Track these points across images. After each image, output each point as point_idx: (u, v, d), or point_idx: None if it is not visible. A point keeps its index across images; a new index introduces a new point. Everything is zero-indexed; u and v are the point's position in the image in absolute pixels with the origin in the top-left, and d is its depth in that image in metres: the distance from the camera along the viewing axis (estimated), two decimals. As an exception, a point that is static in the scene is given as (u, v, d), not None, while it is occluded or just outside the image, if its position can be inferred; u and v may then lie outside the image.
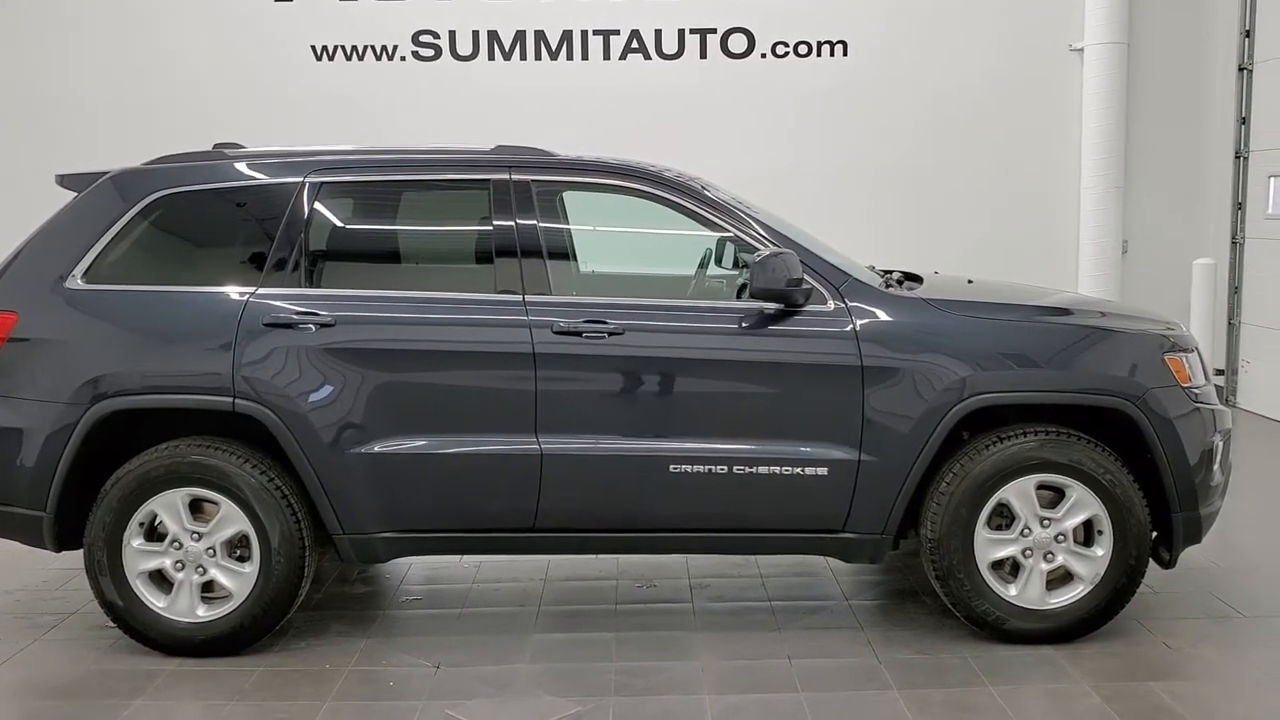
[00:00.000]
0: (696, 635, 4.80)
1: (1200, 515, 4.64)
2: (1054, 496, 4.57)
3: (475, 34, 10.08)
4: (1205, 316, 9.80)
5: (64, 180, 4.88)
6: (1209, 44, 10.17)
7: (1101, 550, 4.55)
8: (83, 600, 5.09)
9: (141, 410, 4.56)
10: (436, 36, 10.10)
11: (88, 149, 8.20)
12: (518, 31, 10.08)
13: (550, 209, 4.92)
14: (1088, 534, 4.59)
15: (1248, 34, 10.04)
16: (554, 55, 10.12)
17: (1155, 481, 4.58)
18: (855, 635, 4.78)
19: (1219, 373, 10.08)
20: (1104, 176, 9.90)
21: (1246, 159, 10.09)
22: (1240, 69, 10.09)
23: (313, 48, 10.05)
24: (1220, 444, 4.72)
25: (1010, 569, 4.61)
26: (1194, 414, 4.61)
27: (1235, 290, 10.25)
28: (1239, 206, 10.16)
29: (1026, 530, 4.55)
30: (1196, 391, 4.66)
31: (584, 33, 10.09)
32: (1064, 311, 4.87)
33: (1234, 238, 10.20)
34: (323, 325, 4.51)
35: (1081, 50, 9.96)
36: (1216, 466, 4.69)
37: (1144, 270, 10.11)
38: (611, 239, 5.56)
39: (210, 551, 4.53)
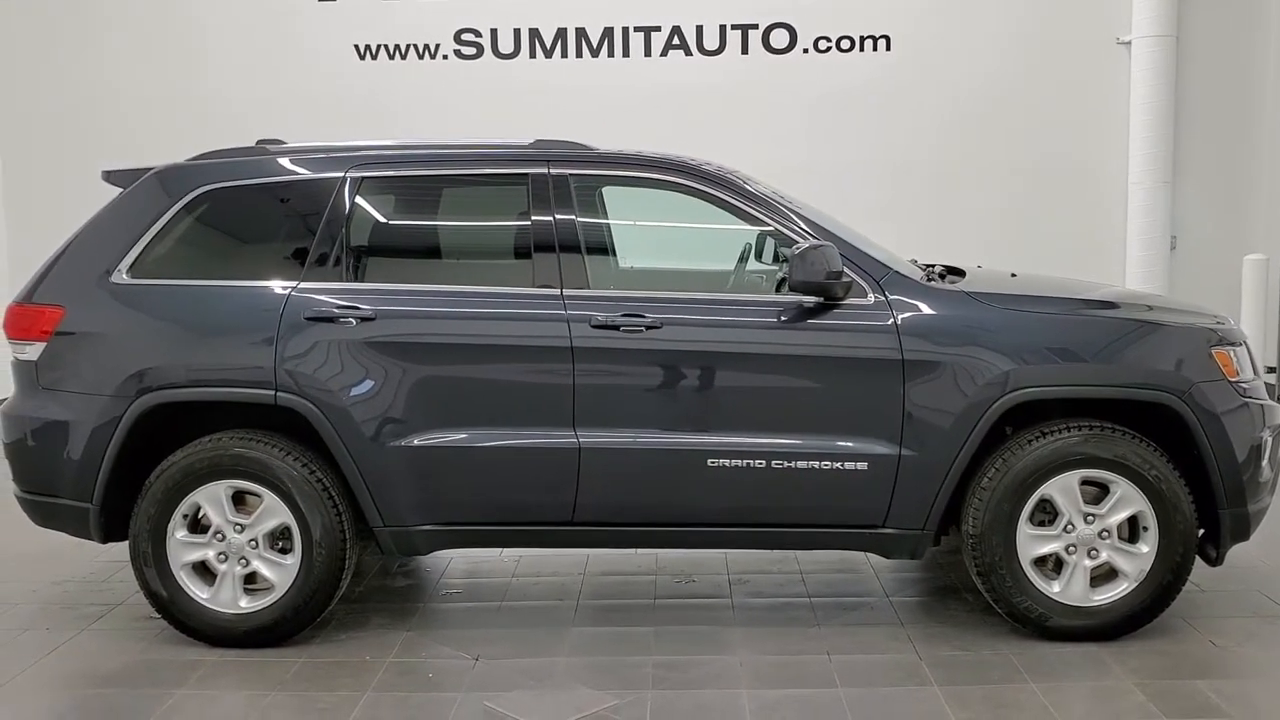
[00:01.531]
0: (735, 630, 4.78)
1: (1248, 512, 4.56)
2: (1098, 492, 4.51)
3: (517, 32, 10.12)
4: (1256, 313, 9.65)
5: (109, 176, 4.96)
6: (1259, 36, 10.00)
7: (1146, 547, 4.49)
8: (128, 591, 5.17)
9: (185, 403, 4.62)
10: (478, 35, 10.15)
11: (131, 147, 8.31)
12: (559, 29, 10.11)
13: (589, 203, 4.93)
14: (1133, 530, 4.52)
15: (1300, 25, 9.88)
16: (595, 52, 10.13)
17: (1202, 477, 4.51)
18: (895, 631, 4.74)
19: (1270, 370, 9.91)
20: (1152, 171, 9.77)
21: (1298, 153, 9.92)
22: (1292, 61, 9.92)
23: (355, 47, 10.14)
24: (1269, 439, 4.63)
25: (1053, 565, 4.56)
26: (1242, 409, 4.53)
27: (1287, 286, 10.08)
28: (1291, 201, 9.99)
29: (1070, 526, 4.50)
30: (1245, 386, 4.58)
31: (625, 29, 10.10)
32: (1109, 305, 4.79)
33: (1286, 233, 10.03)
34: (364, 319, 4.53)
35: (1129, 43, 9.83)
36: (1265, 462, 4.61)
37: (1193, 266, 9.95)
38: (650, 233, 5.55)
39: (253, 543, 4.57)
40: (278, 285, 4.62)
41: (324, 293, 4.59)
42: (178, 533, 4.57)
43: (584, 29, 10.11)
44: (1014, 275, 5.26)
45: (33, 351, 4.66)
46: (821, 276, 4.39)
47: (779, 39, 10.09)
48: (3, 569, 5.73)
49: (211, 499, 4.56)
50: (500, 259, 5.04)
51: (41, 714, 4.15)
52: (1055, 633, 4.53)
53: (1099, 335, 4.55)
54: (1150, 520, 4.47)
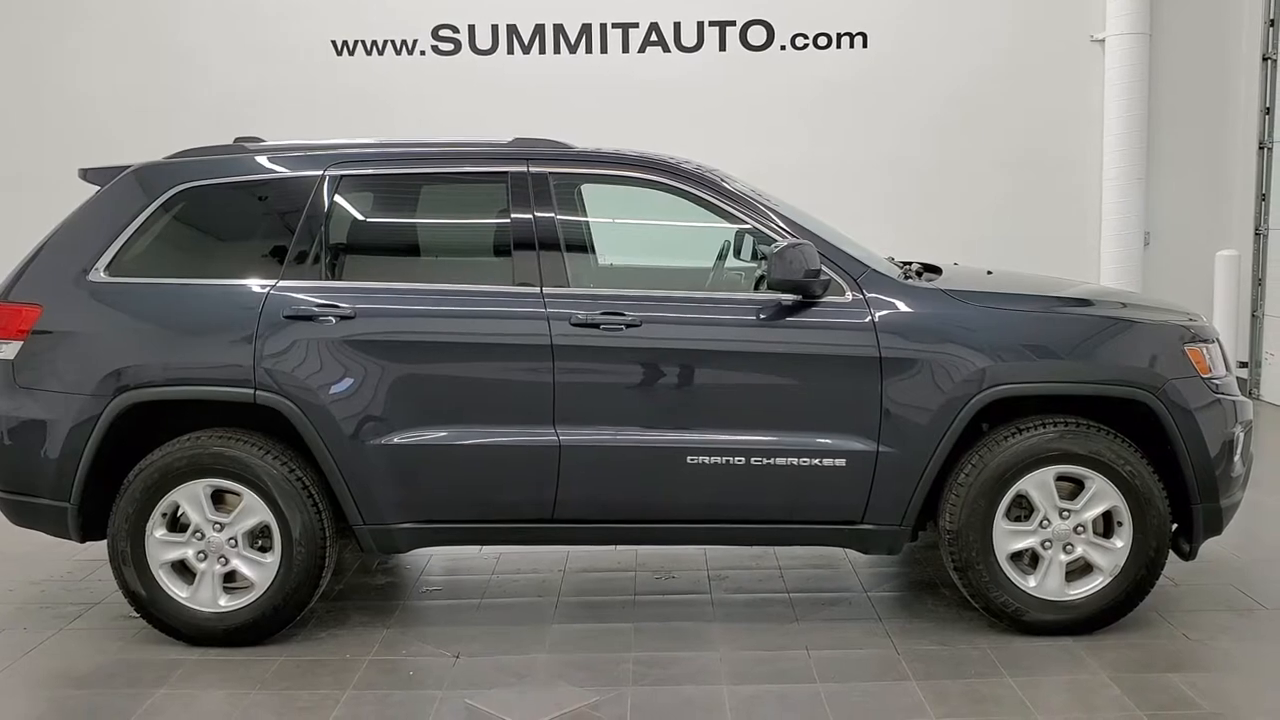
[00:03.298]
0: (714, 626, 4.81)
1: (1221, 507, 4.62)
2: (1073, 488, 4.56)
3: (495, 28, 10.12)
4: (1228, 309, 9.76)
5: (87, 174, 4.94)
6: (1232, 34, 10.10)
7: (1121, 542, 4.54)
8: (106, 590, 5.15)
9: (164, 402, 4.60)
10: (456, 31, 10.13)
11: (110, 145, 8.24)
12: (537, 25, 10.11)
13: (568, 201, 4.93)
14: (1107, 525, 4.58)
15: (1272, 23, 9.98)
16: (573, 49, 10.14)
17: (1175, 473, 4.57)
18: (873, 626, 4.78)
19: (1242, 365, 10.03)
20: (1126, 168, 9.85)
21: (1270, 149, 10.02)
22: (1264, 59, 10.02)
23: (333, 43, 10.11)
24: (1241, 435, 4.69)
25: (1029, 560, 4.60)
26: (1214, 405, 4.58)
27: (1259, 282, 10.18)
28: (1263, 198, 10.09)
29: (1045, 522, 4.54)
30: (1217, 382, 4.64)
31: (603, 26, 10.11)
32: (1084, 302, 4.84)
33: (1257, 229, 10.14)
34: (343, 317, 4.53)
35: (1103, 41, 9.91)
36: (1237, 458, 4.67)
37: (1166, 262, 10.05)
38: (630, 231, 5.56)
39: (232, 542, 4.56)
40: (256, 284, 4.61)
41: (303, 291, 4.59)
42: (156, 532, 4.56)
43: (562, 25, 10.11)
44: (990, 273, 5.30)
45: (9, 350, 4.63)
46: (800, 275, 4.41)
47: (756, 36, 10.12)
48: (-21, 568, 5.70)
49: (190, 498, 4.55)
50: (480, 257, 5.06)
51: (19, 714, 4.13)
52: (1031, 627, 4.57)
53: (1074, 332, 4.59)
54: (1124, 515, 4.52)
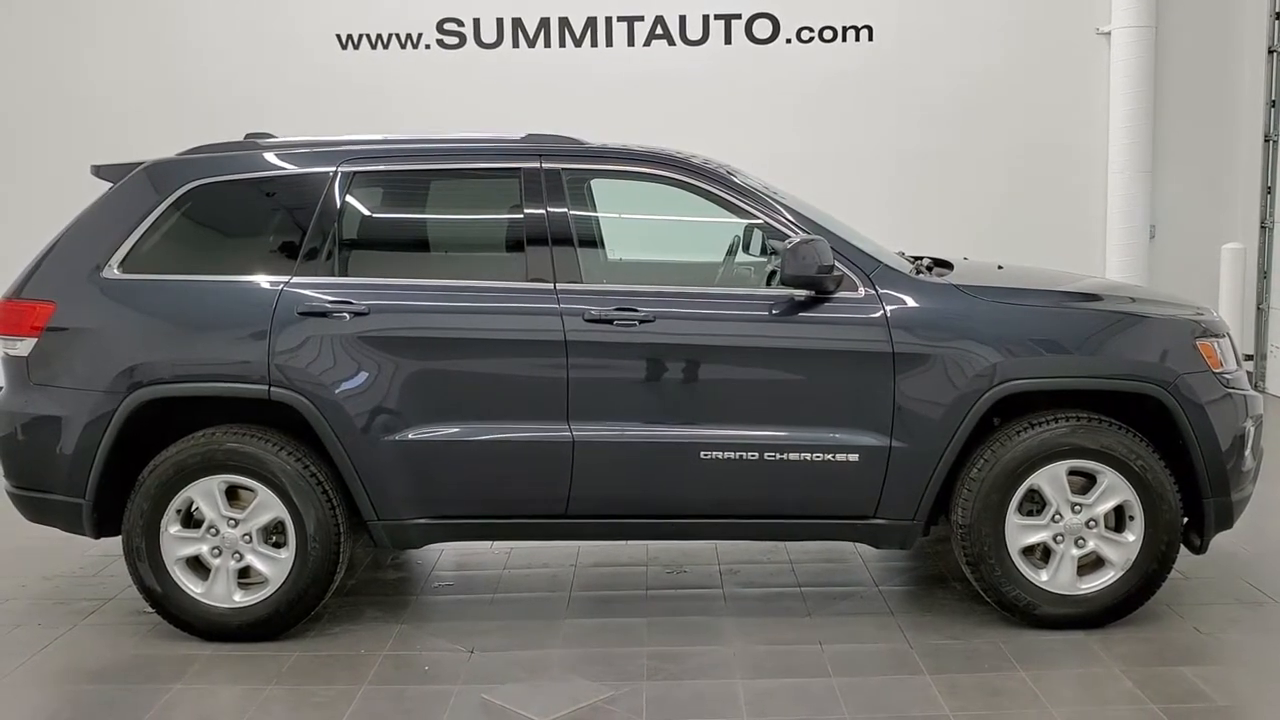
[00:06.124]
0: (727, 620, 4.83)
1: (1232, 501, 4.63)
2: (1085, 482, 4.57)
3: (499, 21, 10.10)
4: (1234, 302, 9.76)
5: (99, 171, 4.94)
6: (1237, 27, 10.08)
7: (1133, 536, 4.55)
8: (121, 586, 5.16)
9: (178, 398, 4.61)
10: (461, 24, 10.12)
11: (116, 141, 8.25)
12: (542, 18, 10.09)
13: (580, 197, 4.94)
14: (1119, 519, 4.59)
15: (1277, 16, 9.97)
16: (578, 42, 10.12)
17: (1187, 467, 4.58)
18: (886, 621, 4.80)
19: (1248, 358, 10.02)
20: (1132, 161, 9.84)
21: (1276, 142, 10.02)
22: (1270, 51, 10.01)
23: (338, 36, 10.09)
24: (1252, 429, 4.71)
25: (1041, 554, 4.62)
26: (1225, 399, 4.60)
27: (1264, 275, 10.18)
28: (1268, 191, 10.08)
29: (1058, 516, 4.56)
30: (1228, 377, 4.65)
31: (608, 19, 10.09)
32: (1094, 297, 4.86)
33: (1263, 222, 10.13)
34: (356, 314, 4.54)
35: (1109, 34, 9.89)
36: (1248, 452, 4.68)
37: (1172, 255, 10.03)
38: (641, 226, 5.57)
39: (247, 538, 4.58)
40: (269, 280, 4.62)
41: (316, 287, 4.59)
42: (171, 528, 4.57)
43: (567, 18, 10.10)
44: (1000, 267, 5.31)
45: (23, 347, 4.64)
46: (813, 270, 4.42)
47: (762, 29, 10.11)
48: (-8, 564, 5.72)
49: (205, 494, 4.56)
50: (493, 253, 5.05)
51: (36, 710, 4.16)
52: (1043, 621, 4.59)
53: (1085, 328, 4.60)
54: (1136, 509, 4.53)
